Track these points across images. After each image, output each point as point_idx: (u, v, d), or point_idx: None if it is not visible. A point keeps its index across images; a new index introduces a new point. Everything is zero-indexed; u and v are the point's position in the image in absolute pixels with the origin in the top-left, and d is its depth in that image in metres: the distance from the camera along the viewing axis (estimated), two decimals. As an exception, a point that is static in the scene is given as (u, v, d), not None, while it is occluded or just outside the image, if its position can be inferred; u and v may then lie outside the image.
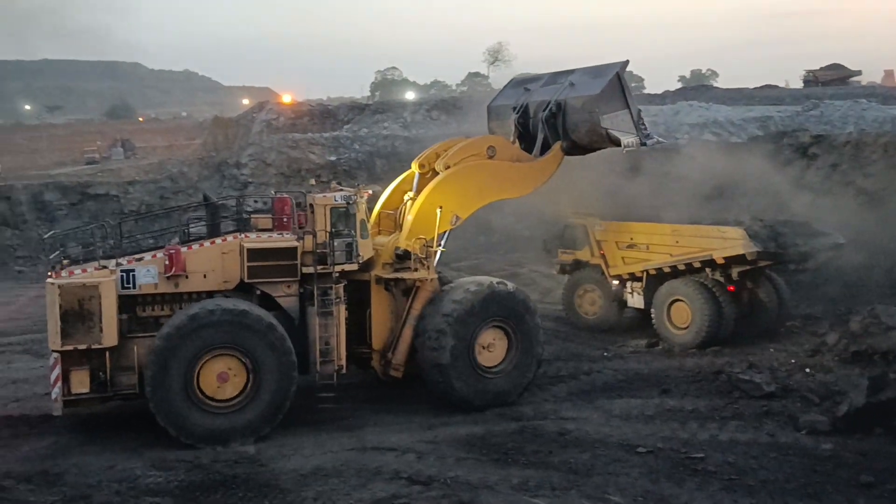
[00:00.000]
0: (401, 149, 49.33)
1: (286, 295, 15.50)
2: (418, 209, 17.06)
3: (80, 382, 14.11)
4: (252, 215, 17.46)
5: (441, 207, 16.86)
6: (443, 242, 17.30)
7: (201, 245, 15.19)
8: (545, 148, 18.67)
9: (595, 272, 23.46)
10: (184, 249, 14.95)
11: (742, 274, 20.50)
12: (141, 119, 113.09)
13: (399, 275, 16.45)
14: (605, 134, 17.85)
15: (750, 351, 19.62)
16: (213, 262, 15.03)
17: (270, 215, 16.21)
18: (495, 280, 17.00)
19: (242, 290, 15.32)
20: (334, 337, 15.37)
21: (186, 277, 14.86)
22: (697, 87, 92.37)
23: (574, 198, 25.53)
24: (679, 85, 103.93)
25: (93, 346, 14.06)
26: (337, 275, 15.51)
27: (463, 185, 17.48)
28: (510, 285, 16.84)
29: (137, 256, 15.03)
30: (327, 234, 15.47)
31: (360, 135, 51.26)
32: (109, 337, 14.12)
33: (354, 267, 15.84)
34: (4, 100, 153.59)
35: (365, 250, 16.19)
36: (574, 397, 16.95)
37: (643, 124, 18.35)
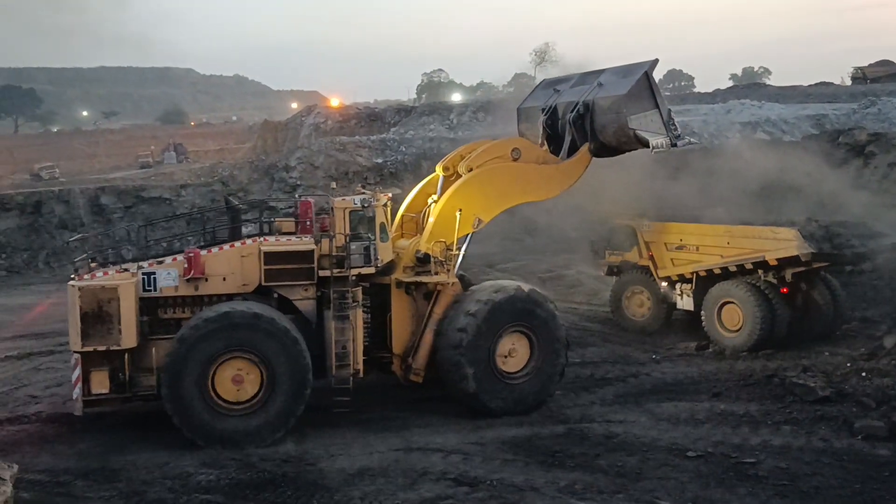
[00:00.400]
0: (447, 151, 49.22)
1: (303, 298, 15.52)
2: (439, 212, 16.86)
3: (100, 383, 14.40)
4: (276, 219, 17.73)
5: (461, 210, 16.64)
6: (464, 246, 17.10)
7: (221, 248, 15.36)
8: (573, 150, 18.23)
9: (643, 274, 23.18)
10: (203, 253, 15.15)
11: (796, 276, 20.03)
12: (193, 124, 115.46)
13: (419, 278, 16.28)
14: (633, 135, 17.28)
15: (804, 354, 19.16)
16: (233, 266, 15.14)
17: (294, 219, 16.34)
18: (517, 284, 16.69)
19: (262, 293, 15.43)
20: (351, 341, 15.28)
21: (206, 280, 15.01)
22: (749, 86, 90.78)
23: (621, 199, 25.30)
24: (730, 83, 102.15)
25: (112, 348, 14.33)
26: (354, 278, 15.46)
27: (485, 187, 17.21)
28: (532, 289, 16.54)
29: (159, 259, 15.27)
30: (345, 238, 15.46)
31: (407, 137, 51.57)
32: (128, 338, 14.37)
33: (371, 270, 15.76)
34: (64, 106, 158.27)
35: (385, 254, 16.15)
36: (621, 400, 16.76)
37: (674, 124, 17.74)
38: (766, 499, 11.77)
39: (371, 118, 58.19)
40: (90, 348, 14.25)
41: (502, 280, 17.75)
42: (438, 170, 18.22)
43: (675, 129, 17.64)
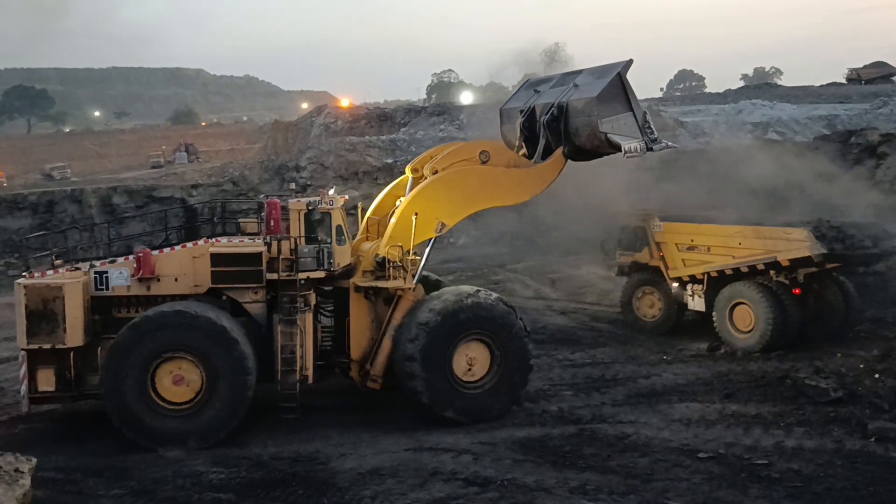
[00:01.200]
0: (457, 151, 49.46)
1: (253, 301, 15.30)
2: (399, 215, 16.39)
3: (46, 381, 14.48)
4: (241, 219, 17.64)
5: (417, 214, 16.05)
6: (427, 250, 16.66)
7: (172, 249, 15.31)
8: (547, 153, 17.55)
9: (654, 274, 23.12)
10: (155, 253, 15.13)
11: (808, 276, 19.95)
12: (204, 124, 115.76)
13: (375, 283, 15.94)
14: (605, 138, 16.48)
15: (816, 355, 19.03)
16: (185, 266, 15.03)
17: (257, 220, 16.18)
18: (475, 291, 16.09)
19: (215, 294, 15.32)
20: (299, 346, 15.00)
21: (158, 280, 14.95)
22: (761, 86, 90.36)
23: (631, 199, 25.22)
24: (741, 83, 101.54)
25: (57, 346, 14.33)
26: (302, 282, 15.20)
27: (450, 191, 16.61)
28: (493, 297, 15.98)
29: (111, 259, 15.27)
30: (296, 240, 15.26)
31: (417, 137, 51.59)
32: (74, 337, 14.36)
33: (321, 274, 15.49)
34: (76, 106, 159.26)
35: (342, 257, 15.93)
36: (633, 401, 16.71)
37: (650, 128, 16.94)
38: (779, 500, 11.70)
39: (381, 118, 58.22)
40: (35, 346, 14.33)
41: (463, 286, 16.90)
42: (407, 171, 17.85)
43: (651, 133, 16.76)
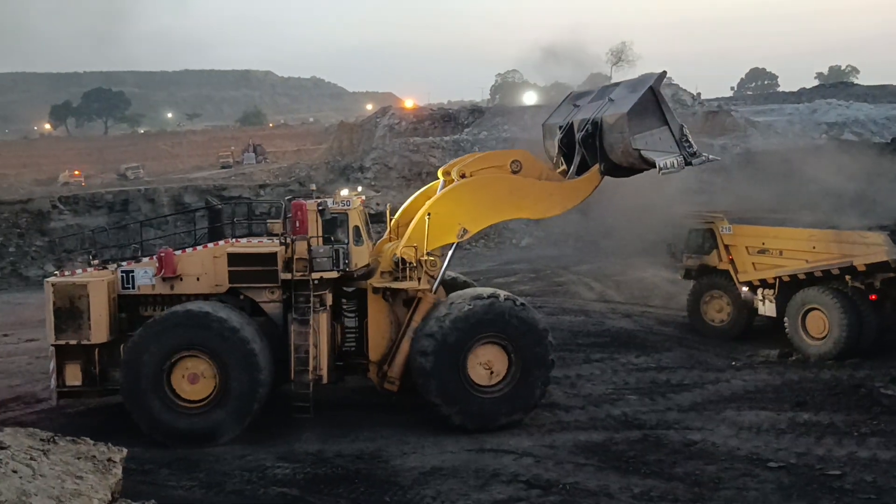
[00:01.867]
0: (521, 151, 49.33)
1: (269, 301, 15.46)
2: (420, 216, 16.20)
3: (73, 375, 14.97)
4: (268, 220, 17.71)
5: (430, 215, 15.84)
6: (449, 254, 16.34)
7: (195, 249, 15.61)
8: (584, 169, 16.93)
9: (722, 278, 22.61)
10: (177, 253, 15.43)
11: (885, 282, 19.20)
12: (271, 125, 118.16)
13: (389, 284, 15.83)
14: (639, 155, 15.79)
15: (893, 364, 18.32)
16: (206, 266, 15.30)
17: (282, 220, 16.32)
18: (495, 293, 15.77)
19: (235, 294, 15.55)
20: (312, 346, 15.02)
21: (181, 280, 15.26)
22: (836, 85, 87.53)
23: (700, 200, 24.72)
24: (816, 82, 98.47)
25: (83, 342, 14.76)
26: (316, 282, 15.20)
27: (475, 196, 16.24)
28: (512, 300, 15.49)
29: (137, 258, 15.72)
30: (314, 241, 15.33)
31: (480, 138, 51.64)
32: (98, 334, 14.78)
33: (335, 275, 15.46)
34: (150, 108, 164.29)
35: (359, 258, 15.92)
36: (699, 407, 16.36)
37: (687, 141, 15.95)
38: (853, 514, 11.30)
39: (445, 119, 58.47)
40: (63, 342, 14.83)
41: (482, 288, 16.49)
42: (440, 174, 17.64)
43: (690, 147, 15.90)
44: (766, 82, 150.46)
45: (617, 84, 17.59)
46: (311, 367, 15.03)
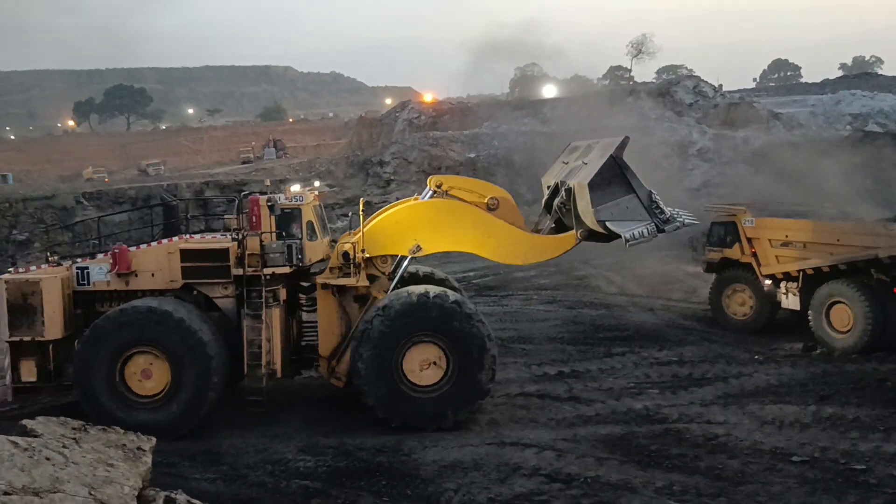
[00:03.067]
0: (540, 145, 49.17)
1: (223, 296, 15.56)
2: (384, 219, 16.24)
3: (28, 371, 15.03)
4: (225, 216, 17.68)
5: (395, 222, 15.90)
6: (405, 264, 16.18)
7: (148, 245, 15.74)
8: (561, 230, 16.39)
9: (745, 271, 22.41)
10: (132, 249, 15.53)
11: (912, 274, 18.94)
12: (291, 120, 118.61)
13: (328, 279, 15.85)
14: (604, 227, 14.91)
15: (920, 358, 18.09)
16: (160, 262, 15.43)
17: (235, 216, 16.37)
18: (425, 290, 15.30)
19: (189, 290, 15.62)
20: (265, 340, 15.10)
21: (136, 276, 15.39)
22: (860, 75, 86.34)
23: (721, 193, 24.54)
24: (840, 73, 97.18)
25: (37, 339, 14.84)
26: (269, 277, 15.25)
27: (439, 218, 15.93)
28: (448, 298, 15.09)
29: (92, 255, 15.80)
30: (265, 237, 15.35)
31: (500, 131, 51.52)
32: (52, 330, 14.86)
33: (287, 270, 15.51)
34: (172, 104, 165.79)
35: (313, 253, 15.94)
36: (722, 401, 16.23)
37: (658, 207, 14.87)
38: (878, 508, 11.18)
39: (464, 113, 58.36)
40: (17, 338, 14.92)
41: (419, 286, 15.88)
42: (429, 182, 17.18)
43: (661, 213, 14.81)
44: (788, 73, 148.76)
45: (598, 142, 16.66)
46: (264, 362, 15.13)
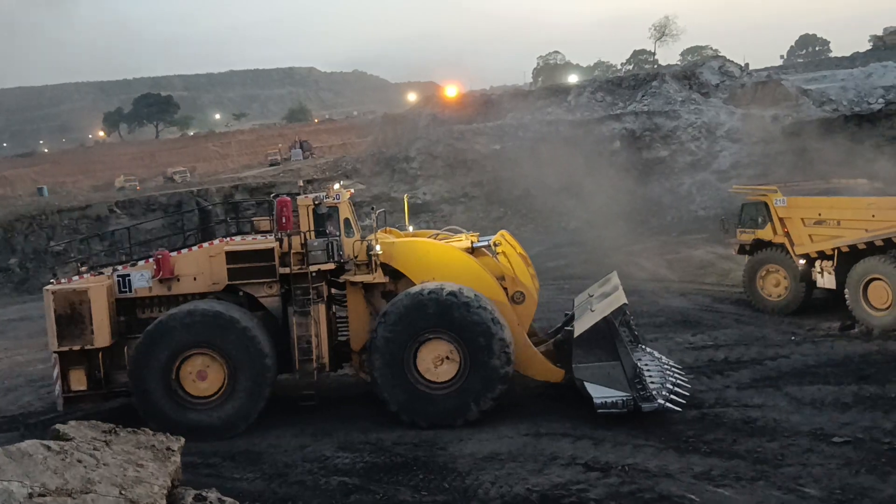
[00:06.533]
0: (565, 133, 48.92)
1: (268, 295, 15.82)
2: (424, 243, 16.52)
3: (78, 380, 15.28)
4: (253, 218, 17.94)
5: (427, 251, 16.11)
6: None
7: (190, 249, 15.89)
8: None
9: (778, 251, 22.12)
10: (173, 254, 15.70)
11: (951, 248, 18.55)
12: (316, 120, 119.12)
13: (349, 277, 16.06)
14: (580, 385, 14.52)
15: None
16: (202, 266, 15.64)
17: (269, 217, 16.55)
18: (437, 287, 15.11)
19: (232, 291, 15.81)
20: (314, 336, 15.39)
21: (178, 280, 15.59)
22: (893, 47, 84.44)
23: (751, 174, 24.20)
24: (870, 45, 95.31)
25: (86, 347, 15.09)
26: (314, 274, 15.49)
27: (466, 280, 15.54)
28: (443, 291, 14.92)
29: (133, 262, 15.99)
30: (307, 235, 15.58)
31: (524, 122, 51.24)
32: (101, 338, 15.11)
33: (331, 266, 15.71)
34: (198, 110, 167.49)
35: (350, 249, 16.07)
36: (758, 384, 16.06)
37: (641, 383, 14.16)
38: (924, 488, 10.98)
39: (488, 105, 58.10)
40: (66, 348, 15.12)
41: (432, 283, 15.55)
42: (497, 236, 16.91)
43: (643, 390, 14.08)
44: (817, 48, 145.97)
45: (617, 287, 16.22)
46: (314, 357, 15.42)
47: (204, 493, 9.23)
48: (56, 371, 15.41)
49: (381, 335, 14.99)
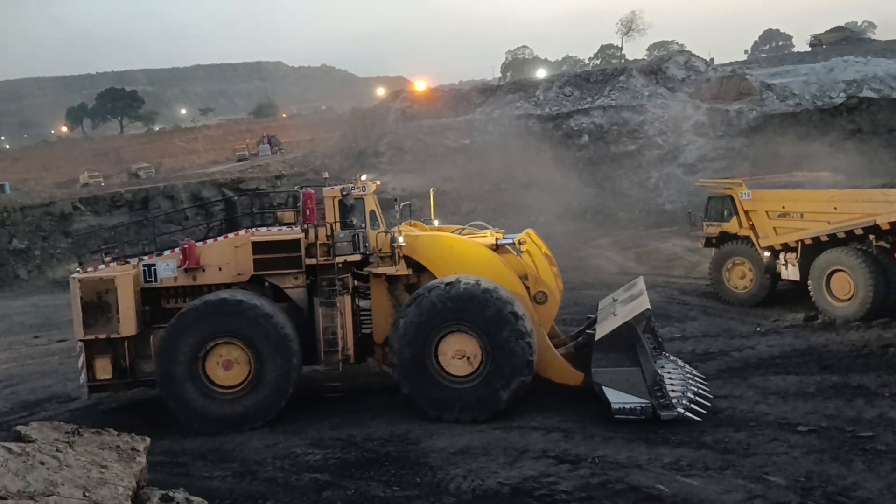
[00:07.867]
0: (534, 127, 49.15)
1: (294, 286, 15.80)
2: (447, 238, 16.44)
3: (103, 369, 15.20)
4: (277, 210, 17.91)
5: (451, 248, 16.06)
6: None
7: (215, 240, 15.86)
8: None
9: (744, 244, 22.47)
10: (199, 244, 15.66)
11: (911, 240, 18.96)
12: (284, 115, 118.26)
13: (372, 269, 16.12)
14: (598, 390, 14.37)
15: (923, 322, 18.13)
16: (227, 256, 15.60)
17: (294, 209, 16.58)
18: (455, 279, 15.11)
19: (257, 282, 15.79)
20: (339, 327, 15.41)
21: (203, 271, 15.57)
22: (853, 41, 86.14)
23: (716, 168, 24.50)
24: (808, 48, 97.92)
25: (112, 336, 15.04)
26: (340, 266, 15.52)
27: (489, 276, 15.50)
28: (478, 286, 14.84)
29: (158, 252, 15.93)
30: (332, 226, 15.60)
31: (493, 116, 51.40)
32: (127, 327, 15.07)
33: (357, 258, 15.76)
34: (163, 105, 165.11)
35: (374, 241, 16.15)
36: (725, 375, 16.32)
37: (661, 392, 13.91)
38: (886, 473, 11.22)
39: (457, 99, 58.14)
40: (91, 336, 15.05)
41: (453, 276, 15.47)
42: (523, 234, 16.96)
43: (663, 398, 13.89)
44: (780, 43, 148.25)
45: (642, 291, 16.01)
46: (339, 349, 15.36)
47: (171, 493, 9.13)
48: (81, 360, 15.28)
49: (401, 332, 14.94)
